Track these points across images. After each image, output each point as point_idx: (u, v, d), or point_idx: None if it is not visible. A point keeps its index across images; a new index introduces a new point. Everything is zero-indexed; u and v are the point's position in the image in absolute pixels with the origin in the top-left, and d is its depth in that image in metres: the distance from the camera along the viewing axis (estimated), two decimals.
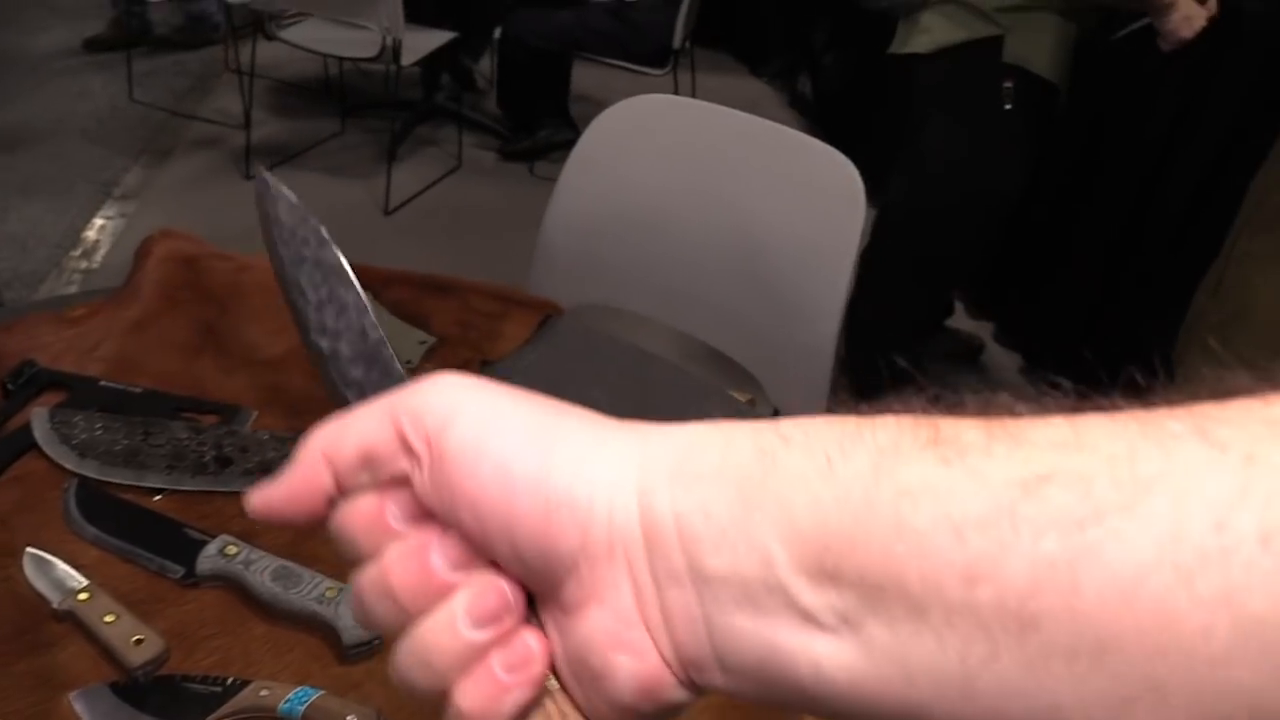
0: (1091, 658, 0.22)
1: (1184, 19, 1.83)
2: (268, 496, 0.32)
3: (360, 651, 0.65)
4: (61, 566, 0.69)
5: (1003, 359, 2.80)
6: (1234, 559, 0.21)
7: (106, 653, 0.64)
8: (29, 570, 0.68)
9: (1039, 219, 2.59)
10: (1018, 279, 2.76)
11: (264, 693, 0.61)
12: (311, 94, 3.95)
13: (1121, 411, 0.24)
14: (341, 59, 3.54)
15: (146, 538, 0.72)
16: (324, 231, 0.38)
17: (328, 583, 0.68)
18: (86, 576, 0.68)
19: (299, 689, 0.61)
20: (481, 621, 0.29)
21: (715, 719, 0.63)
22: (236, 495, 0.78)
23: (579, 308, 1.29)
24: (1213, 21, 1.85)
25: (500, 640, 0.29)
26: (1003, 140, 1.99)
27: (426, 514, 0.30)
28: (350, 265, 0.37)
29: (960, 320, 2.80)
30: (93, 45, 4.11)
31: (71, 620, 0.66)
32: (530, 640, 0.29)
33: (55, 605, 0.66)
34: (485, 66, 4.05)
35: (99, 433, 0.81)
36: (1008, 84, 1.92)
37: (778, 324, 1.40)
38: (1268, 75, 2.00)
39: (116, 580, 0.69)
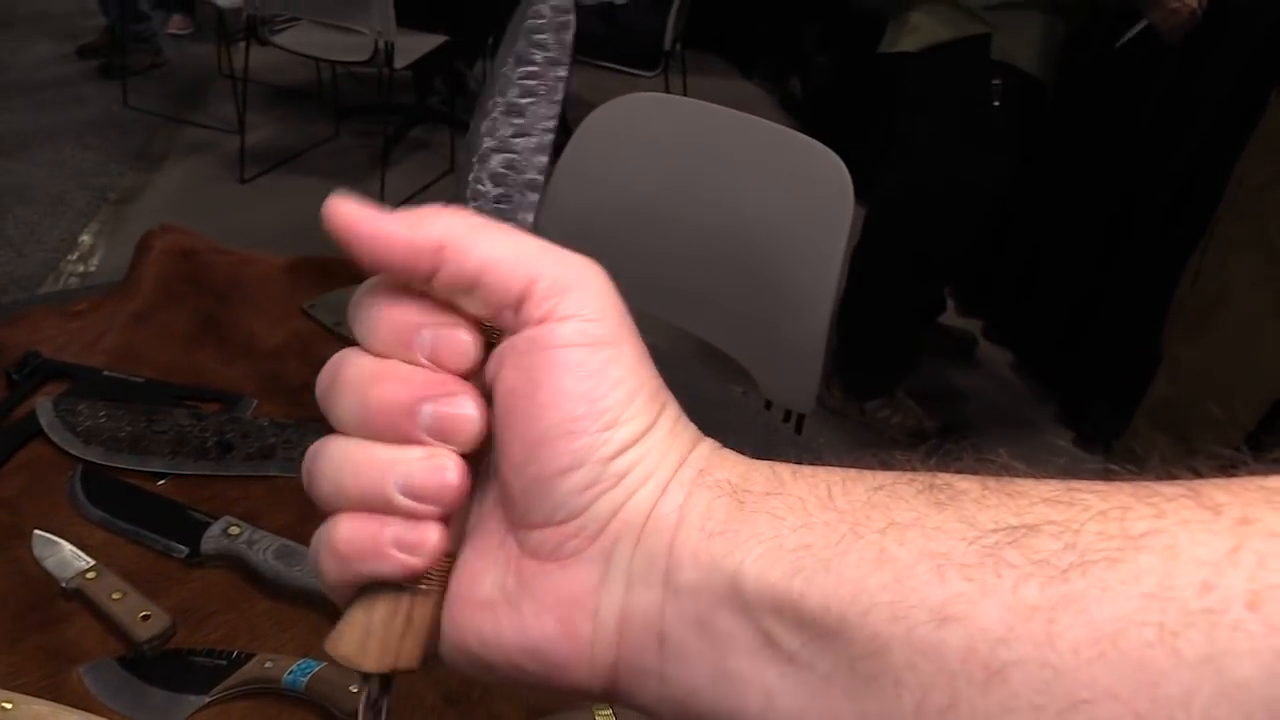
0: (1057, 716, 0.21)
1: (1174, 10, 1.85)
2: (360, 221, 0.29)
3: None
4: (69, 548, 0.71)
5: (993, 355, 2.82)
6: (1221, 621, 0.20)
7: (114, 628, 0.66)
8: (38, 551, 0.70)
9: (1027, 215, 2.61)
10: (1007, 276, 2.78)
11: (268, 665, 0.63)
12: (305, 98, 3.97)
13: (1117, 478, 0.24)
14: (334, 63, 3.56)
15: (151, 519, 0.74)
16: (568, 52, 0.33)
17: None
18: (93, 557, 0.70)
19: (302, 660, 0.63)
20: (413, 494, 0.28)
21: None
22: (239, 479, 0.80)
23: None
24: (1205, 3, 1.87)
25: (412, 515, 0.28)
26: (991, 137, 2.02)
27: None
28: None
29: (950, 317, 2.82)
30: (86, 52, 4.12)
31: (79, 598, 0.67)
32: (434, 536, 0.28)
33: (64, 584, 0.68)
34: (478, 70, 4.07)
35: (103, 420, 0.83)
36: (996, 81, 1.95)
37: (768, 318, 1.42)
38: (1253, 69, 2.03)
39: (123, 560, 0.71)
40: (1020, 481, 0.25)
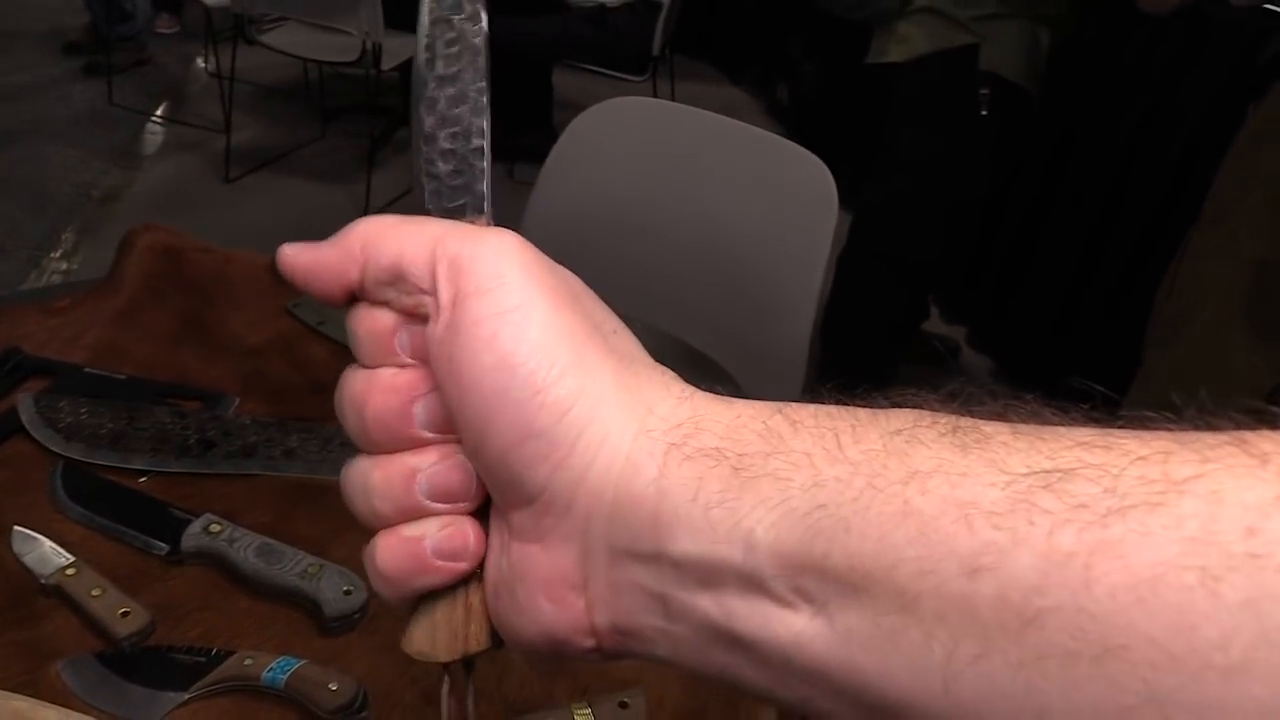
0: (1093, 662, 0.20)
1: None
2: (296, 255, 0.31)
3: (341, 624, 0.67)
4: (48, 544, 0.71)
5: (976, 362, 2.84)
6: (1266, 565, 0.19)
7: (93, 625, 0.66)
8: (17, 547, 0.70)
9: (1011, 223, 2.63)
10: (990, 283, 2.80)
11: (248, 662, 0.63)
12: (291, 98, 3.96)
13: (1155, 426, 0.23)
14: (321, 63, 3.55)
15: (132, 517, 0.74)
16: (482, 10, 0.34)
17: (309, 559, 0.70)
18: (73, 554, 0.70)
19: (282, 658, 0.63)
20: (437, 495, 0.29)
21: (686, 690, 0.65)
22: (220, 477, 0.80)
23: None
24: None
25: (445, 521, 0.29)
26: (978, 146, 2.03)
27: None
28: None
29: (933, 324, 2.84)
30: (71, 49, 4.10)
31: (59, 595, 0.67)
32: (469, 535, 0.29)
33: (43, 580, 0.68)
34: None
35: (84, 417, 0.83)
36: (984, 91, 1.96)
37: (753, 322, 1.43)
38: (1233, 82, 2.05)
39: (103, 557, 0.71)
40: (1052, 426, 0.24)
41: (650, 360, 0.30)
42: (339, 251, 0.30)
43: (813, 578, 0.24)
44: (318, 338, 1.00)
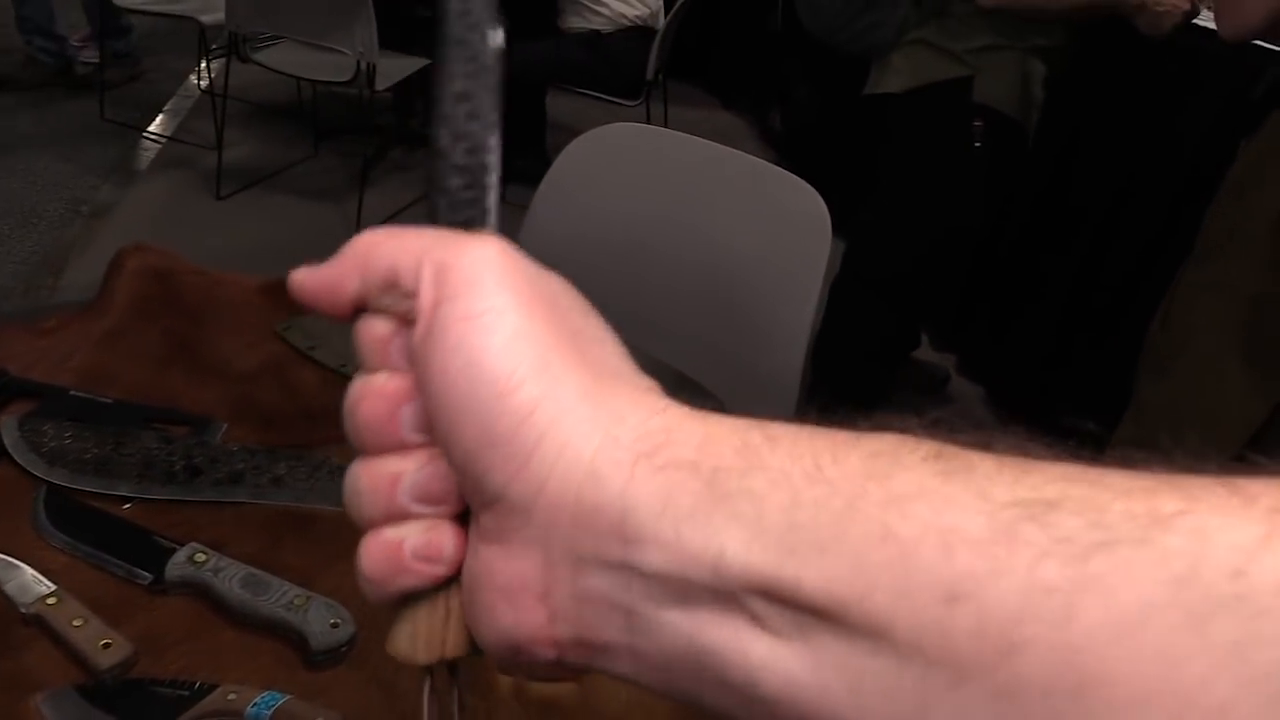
0: (1071, 696, 0.20)
1: (1156, 16, 1.89)
2: (305, 277, 0.32)
3: (328, 658, 0.66)
4: (30, 571, 0.69)
5: (966, 390, 2.84)
6: (1248, 608, 0.19)
7: (74, 656, 0.64)
8: None
9: (1003, 253, 2.64)
10: (982, 312, 2.80)
11: (231, 696, 0.62)
12: (284, 116, 3.96)
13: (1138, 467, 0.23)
14: (315, 82, 3.55)
15: (115, 545, 0.73)
16: (499, 31, 0.34)
17: (295, 590, 0.69)
18: (54, 582, 0.69)
19: (266, 693, 0.62)
20: (419, 498, 0.30)
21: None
22: (206, 505, 0.79)
23: None
24: (1191, 11, 1.91)
25: (426, 525, 0.30)
26: (971, 178, 2.04)
27: None
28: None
29: (924, 352, 2.84)
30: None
31: (39, 624, 0.66)
32: (447, 540, 0.30)
33: (23, 609, 0.67)
34: None
35: (69, 441, 0.82)
36: (977, 123, 1.97)
37: (745, 350, 1.42)
38: (1225, 116, 2.07)
39: (85, 586, 0.70)
40: (1037, 460, 0.23)
41: (632, 371, 0.30)
42: (341, 264, 0.31)
43: (785, 600, 0.23)
44: (308, 363, 0.99)
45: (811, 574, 0.23)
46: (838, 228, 1.37)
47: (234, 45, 3.19)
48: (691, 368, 1.46)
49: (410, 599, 0.31)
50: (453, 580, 0.30)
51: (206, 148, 3.49)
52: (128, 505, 0.78)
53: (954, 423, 0.26)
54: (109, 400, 0.89)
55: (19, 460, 0.79)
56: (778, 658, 0.24)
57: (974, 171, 2.03)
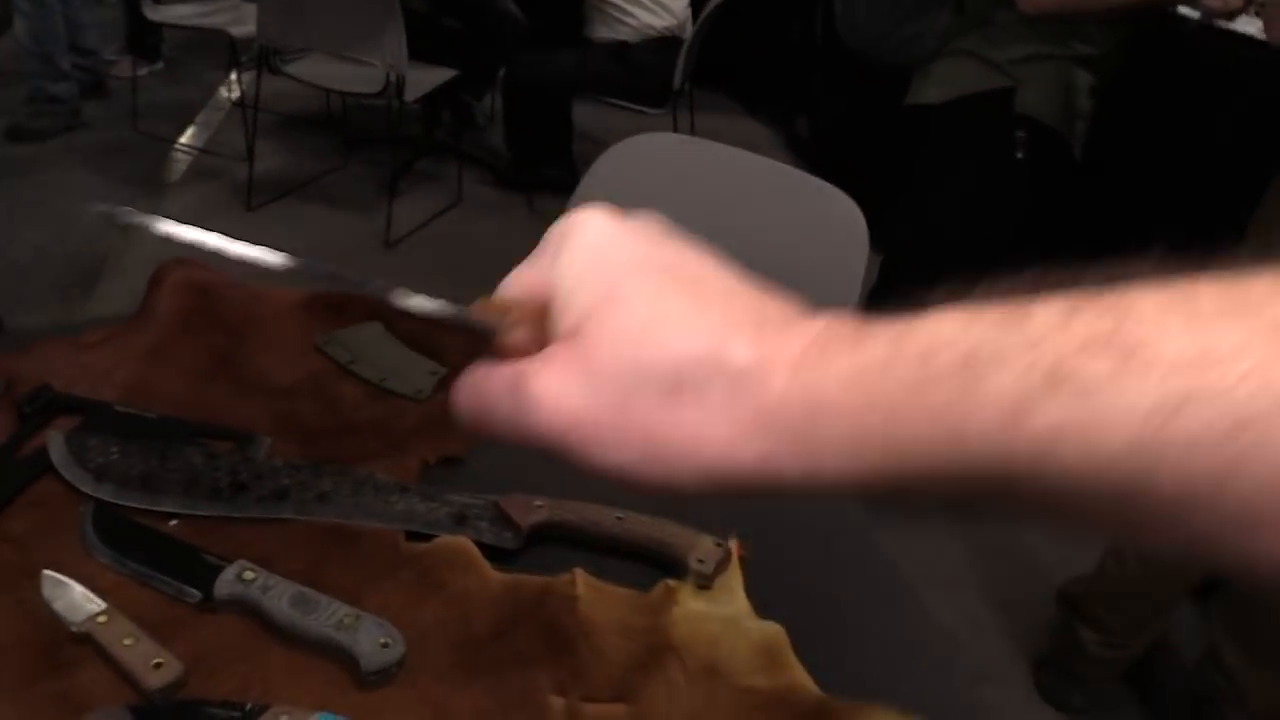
0: None
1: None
2: (470, 406, 0.38)
3: (379, 678, 0.66)
4: (79, 589, 0.69)
5: None
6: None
7: (125, 675, 0.64)
8: (47, 592, 0.68)
9: (1045, 265, 2.61)
10: None
11: (283, 718, 0.61)
12: (314, 127, 3.98)
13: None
14: (345, 94, 3.58)
15: (164, 562, 0.73)
16: None
17: (345, 609, 0.68)
18: (104, 600, 0.69)
19: (318, 714, 0.61)
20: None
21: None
22: (252, 521, 0.79)
23: None
24: None
25: None
26: (1013, 189, 2.02)
27: None
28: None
29: None
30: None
31: (90, 643, 0.66)
32: None
33: (73, 628, 0.66)
34: (485, 103, 4.09)
35: (115, 457, 0.82)
36: (1020, 134, 1.95)
37: None
38: (1271, 125, 2.04)
39: (134, 604, 0.69)
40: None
41: None
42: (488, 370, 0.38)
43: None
44: (348, 377, 0.98)
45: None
46: (871, 237, 1.36)
47: (264, 58, 3.21)
48: None
49: None
50: None
51: (237, 159, 3.52)
52: (174, 521, 0.78)
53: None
54: (153, 415, 0.89)
55: (66, 476, 0.79)
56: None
57: (1016, 183, 2.00)
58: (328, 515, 0.79)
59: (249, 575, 0.71)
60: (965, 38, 1.97)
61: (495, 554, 0.78)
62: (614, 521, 0.80)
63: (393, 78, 3.05)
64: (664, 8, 3.38)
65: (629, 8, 3.33)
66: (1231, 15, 1.93)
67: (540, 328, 0.37)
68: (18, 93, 3.66)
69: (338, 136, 3.86)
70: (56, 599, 0.68)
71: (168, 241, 0.38)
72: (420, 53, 3.13)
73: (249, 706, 0.62)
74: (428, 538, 0.78)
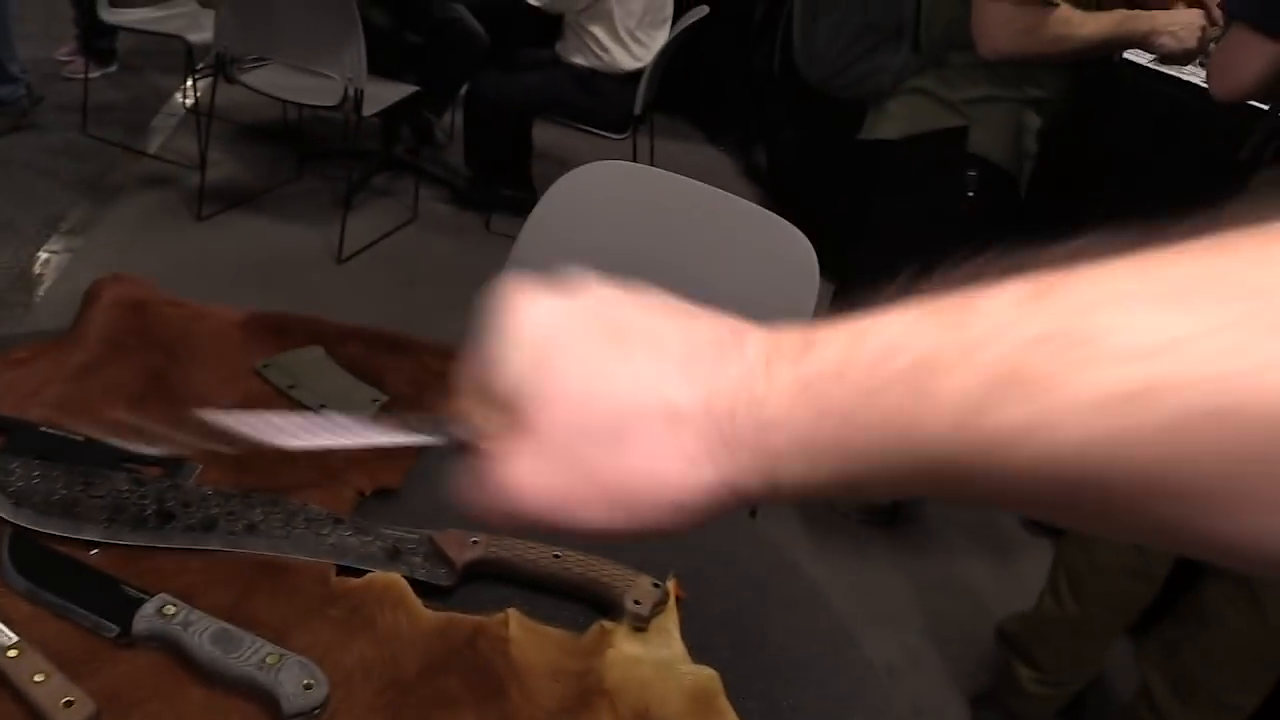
0: None
1: (1173, 37, 1.89)
2: None
3: None
4: None
5: None
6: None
7: (34, 713, 0.61)
8: None
9: None
10: None
11: None
12: (269, 138, 3.93)
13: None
14: (302, 106, 3.54)
15: (82, 594, 0.70)
16: None
17: (268, 648, 0.67)
18: (16, 632, 0.66)
19: None
20: None
21: None
22: (177, 552, 0.76)
23: None
24: (1211, 26, 1.90)
25: None
26: (962, 226, 2.04)
27: None
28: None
29: None
30: None
31: None
32: None
33: None
34: (445, 121, 4.07)
35: (36, 480, 0.79)
36: (971, 173, 1.98)
37: None
38: (1214, 173, 2.08)
39: (48, 637, 0.67)
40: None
41: None
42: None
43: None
44: (288, 402, 0.97)
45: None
46: (824, 266, 1.37)
47: (221, 65, 3.17)
48: None
49: None
50: None
51: (189, 167, 3.47)
52: (94, 550, 0.75)
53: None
54: (80, 437, 0.86)
55: None
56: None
57: (965, 220, 2.03)
58: (257, 547, 0.77)
59: (170, 610, 0.69)
60: (921, 76, 2.00)
61: (429, 589, 0.77)
62: (551, 559, 0.79)
63: (351, 91, 3.02)
64: (641, 50, 3.38)
65: (609, 45, 3.34)
66: (1190, 58, 1.97)
67: (505, 417, 0.38)
68: None
69: (293, 148, 3.82)
70: None
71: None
72: (380, 67, 3.11)
73: None
74: (360, 572, 0.77)
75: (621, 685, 0.69)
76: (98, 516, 0.77)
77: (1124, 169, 2.28)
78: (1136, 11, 1.90)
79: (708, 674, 0.72)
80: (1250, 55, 1.51)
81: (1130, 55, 2.23)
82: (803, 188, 3.57)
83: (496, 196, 3.59)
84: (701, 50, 4.26)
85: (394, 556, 0.79)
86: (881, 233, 2.19)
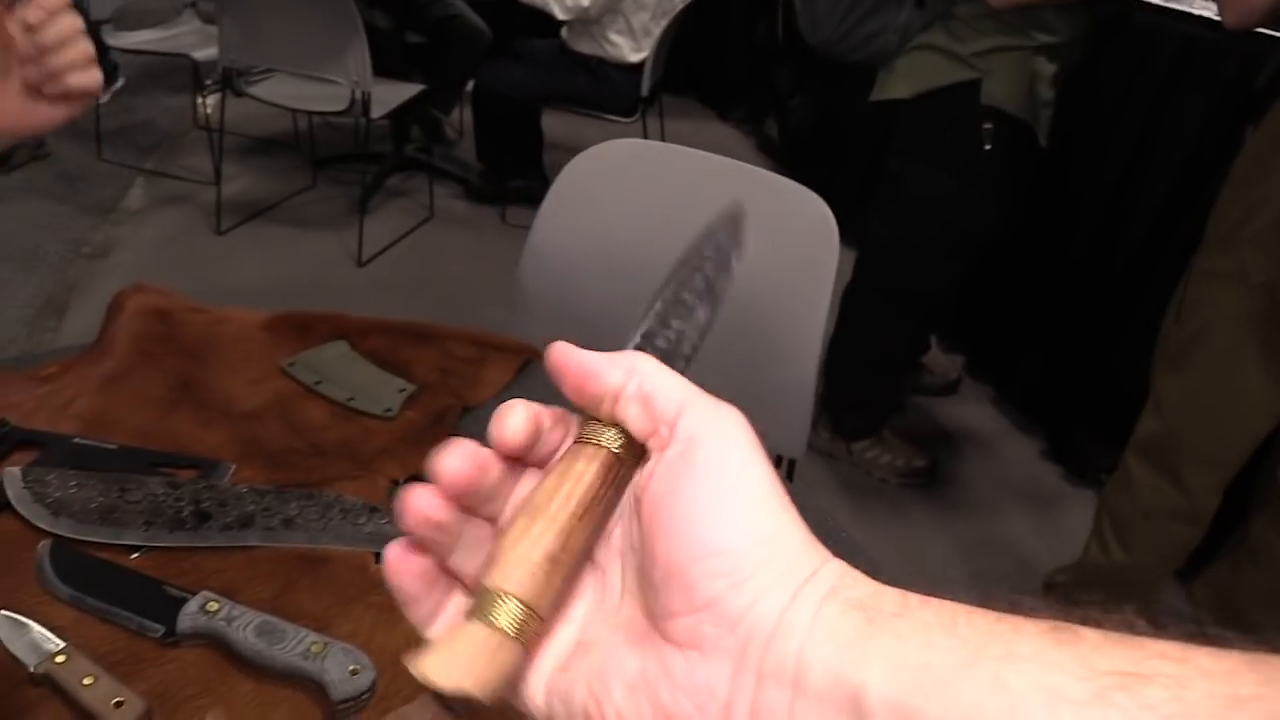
0: None
1: None
2: (569, 357, 0.36)
3: (349, 706, 0.64)
4: (37, 629, 0.67)
5: (976, 391, 2.82)
6: None
7: (86, 716, 0.62)
8: (3, 633, 0.66)
9: (1014, 252, 2.62)
10: (992, 312, 2.78)
11: None
12: (281, 148, 3.95)
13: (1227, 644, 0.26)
14: (311, 113, 3.55)
15: (125, 597, 0.71)
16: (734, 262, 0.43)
17: (312, 637, 0.67)
18: (63, 638, 0.67)
19: None
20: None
21: None
22: (216, 551, 0.77)
23: None
24: None
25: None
26: (982, 181, 2.02)
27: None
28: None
29: (933, 354, 2.82)
30: None
31: (49, 684, 0.64)
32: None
33: (32, 669, 0.64)
34: (455, 117, 4.07)
35: (73, 490, 0.80)
36: (987, 125, 1.95)
37: (755, 362, 1.40)
38: (1231, 103, 2.04)
39: (94, 641, 0.67)
40: (1141, 637, 0.27)
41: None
42: (611, 361, 0.36)
43: None
44: (315, 398, 0.97)
45: (932, 708, 0.27)
46: (843, 234, 1.36)
47: (228, 80, 3.18)
48: (701, 379, 1.44)
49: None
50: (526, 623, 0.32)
51: (205, 183, 3.49)
52: (135, 554, 0.76)
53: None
54: (113, 446, 0.87)
55: (23, 513, 0.77)
56: None
57: (985, 174, 2.00)
58: (294, 541, 0.78)
59: (213, 606, 0.69)
60: (928, 32, 1.97)
61: None
62: None
63: (358, 95, 3.03)
64: (649, 42, 3.36)
65: (615, 37, 3.32)
66: None
67: None
68: None
69: (306, 156, 3.84)
70: (14, 640, 0.66)
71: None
72: (385, 69, 3.11)
73: None
74: None
75: None
76: (136, 521, 0.78)
77: (1140, 108, 2.24)
78: None
79: None
80: None
81: None
82: (818, 157, 3.55)
83: (510, 188, 3.59)
84: (706, 25, 4.24)
85: None
86: (900, 195, 2.17)
